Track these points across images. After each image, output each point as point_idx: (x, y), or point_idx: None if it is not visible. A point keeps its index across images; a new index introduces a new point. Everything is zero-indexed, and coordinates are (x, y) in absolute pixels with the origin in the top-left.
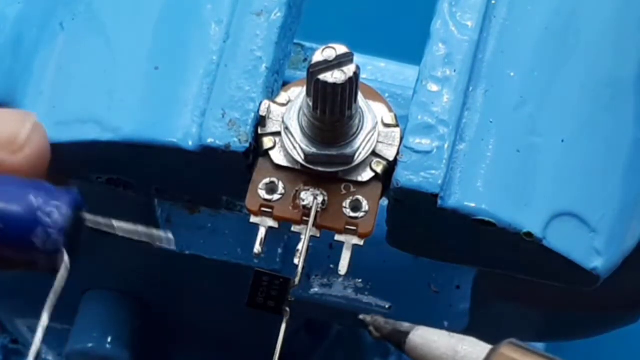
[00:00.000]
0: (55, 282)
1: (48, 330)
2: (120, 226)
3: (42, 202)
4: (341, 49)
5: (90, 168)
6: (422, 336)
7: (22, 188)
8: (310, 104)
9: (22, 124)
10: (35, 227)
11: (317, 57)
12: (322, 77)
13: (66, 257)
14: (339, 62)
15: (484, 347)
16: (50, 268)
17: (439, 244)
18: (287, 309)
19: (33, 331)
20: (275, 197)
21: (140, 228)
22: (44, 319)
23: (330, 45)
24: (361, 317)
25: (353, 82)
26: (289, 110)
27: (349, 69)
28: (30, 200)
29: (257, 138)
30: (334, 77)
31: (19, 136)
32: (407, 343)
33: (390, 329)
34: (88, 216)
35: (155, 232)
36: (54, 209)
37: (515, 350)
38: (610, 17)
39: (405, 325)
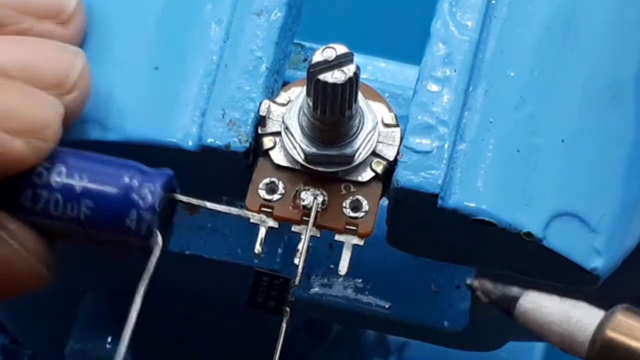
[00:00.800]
0: (148, 264)
1: (48, 331)
2: (214, 207)
3: (136, 184)
4: (341, 49)
5: None
6: (533, 301)
7: (117, 168)
8: (310, 104)
9: (72, 64)
10: (129, 209)
11: (317, 57)
12: (322, 77)
13: (159, 238)
14: (339, 62)
15: (598, 312)
16: (142, 249)
17: (439, 244)
18: (287, 309)
19: (33, 332)
20: (275, 197)
21: (233, 209)
22: (137, 302)
23: (330, 45)
24: (468, 281)
25: (353, 82)
26: (289, 110)
27: (349, 69)
28: (125, 182)
29: (257, 138)
30: (334, 77)
31: (69, 77)
32: (517, 308)
33: (499, 293)
34: (181, 196)
35: (247, 212)
36: (148, 192)
37: (631, 315)
38: (611, 17)
39: (515, 290)
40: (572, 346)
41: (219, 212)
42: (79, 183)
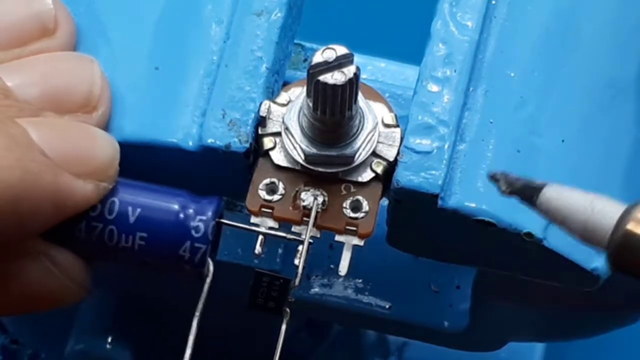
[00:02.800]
0: (203, 290)
1: (48, 331)
2: (260, 230)
3: (189, 215)
4: (341, 50)
5: None
6: (557, 191)
7: (169, 198)
8: (310, 104)
9: (91, 76)
10: (183, 240)
11: (317, 58)
12: (322, 78)
13: (211, 265)
14: (339, 63)
15: (621, 205)
16: (193, 273)
17: (439, 244)
18: (287, 309)
19: (33, 332)
20: (276, 197)
21: (280, 232)
22: (194, 325)
23: (330, 46)
24: (490, 174)
25: (353, 83)
26: (289, 111)
27: (349, 70)
28: (177, 212)
29: (258, 138)
30: (334, 78)
31: (92, 93)
32: (539, 197)
33: (521, 184)
34: (228, 221)
35: (290, 235)
36: (200, 222)
37: None
38: (611, 17)
39: (538, 181)
40: (593, 235)
41: (264, 234)
42: (132, 214)
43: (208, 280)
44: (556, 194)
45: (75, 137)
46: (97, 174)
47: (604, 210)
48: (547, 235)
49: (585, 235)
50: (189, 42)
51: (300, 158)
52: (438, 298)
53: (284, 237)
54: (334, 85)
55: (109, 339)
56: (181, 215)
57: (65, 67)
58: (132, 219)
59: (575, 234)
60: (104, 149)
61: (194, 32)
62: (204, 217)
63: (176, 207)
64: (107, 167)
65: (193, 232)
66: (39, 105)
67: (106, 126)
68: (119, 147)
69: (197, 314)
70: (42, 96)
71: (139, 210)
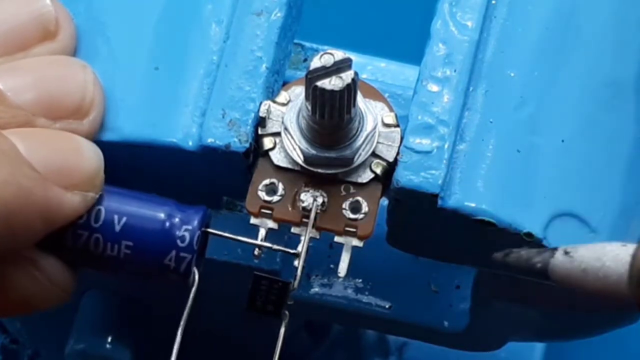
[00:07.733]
0: (189, 299)
1: (48, 331)
2: (247, 240)
3: (174, 224)
4: (339, 54)
5: None
6: (563, 257)
7: (154, 207)
8: (309, 108)
9: (84, 83)
10: (168, 250)
11: (315, 63)
12: (319, 83)
13: (197, 274)
14: (337, 67)
15: (628, 247)
16: (179, 281)
17: (439, 244)
18: (287, 312)
19: (33, 332)
20: (275, 198)
21: (275, 246)
22: (178, 335)
23: (329, 51)
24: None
25: (351, 89)
26: (289, 111)
27: (347, 76)
28: (163, 222)
29: (258, 139)
30: (331, 84)
31: (85, 100)
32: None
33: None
34: (214, 230)
35: (285, 248)
36: (186, 232)
37: None
38: (611, 17)
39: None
40: (613, 286)
41: (253, 245)
42: (118, 223)
43: (193, 289)
44: (565, 261)
45: (61, 149)
46: (84, 185)
47: (616, 258)
48: (547, 235)
49: (607, 289)
50: (189, 42)
51: (299, 159)
52: (438, 298)
53: (272, 249)
54: (332, 91)
55: (109, 339)
56: (167, 224)
57: (58, 73)
58: (117, 228)
59: (597, 293)
60: (90, 159)
61: (194, 32)
62: (189, 227)
63: (162, 216)
64: (94, 177)
65: (178, 241)
66: (32, 110)
67: (97, 130)
68: (103, 156)
69: (182, 323)
70: (36, 102)
71: (124, 218)
